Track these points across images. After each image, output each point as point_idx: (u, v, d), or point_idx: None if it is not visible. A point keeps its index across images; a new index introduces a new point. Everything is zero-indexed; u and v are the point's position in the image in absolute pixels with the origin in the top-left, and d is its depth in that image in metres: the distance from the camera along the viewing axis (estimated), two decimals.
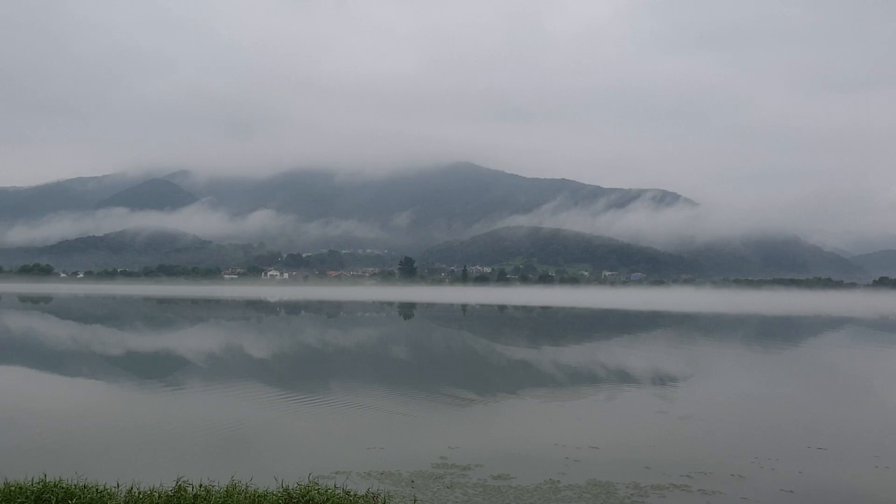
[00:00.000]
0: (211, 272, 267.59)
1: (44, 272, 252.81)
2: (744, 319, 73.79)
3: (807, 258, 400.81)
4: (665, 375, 28.64)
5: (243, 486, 9.62)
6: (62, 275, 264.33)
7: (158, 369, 28.38)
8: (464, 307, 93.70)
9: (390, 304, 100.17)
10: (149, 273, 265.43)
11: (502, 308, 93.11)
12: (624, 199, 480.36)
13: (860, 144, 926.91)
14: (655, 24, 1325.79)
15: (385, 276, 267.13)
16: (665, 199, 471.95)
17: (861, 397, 23.26)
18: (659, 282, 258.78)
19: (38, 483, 9.19)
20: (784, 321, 72.07)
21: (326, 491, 9.32)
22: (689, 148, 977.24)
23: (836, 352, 40.72)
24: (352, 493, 9.46)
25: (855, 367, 32.78)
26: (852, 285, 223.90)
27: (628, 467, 13.30)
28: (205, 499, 9.03)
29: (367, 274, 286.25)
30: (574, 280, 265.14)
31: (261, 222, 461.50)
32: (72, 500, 8.81)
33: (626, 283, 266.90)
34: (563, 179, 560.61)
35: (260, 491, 9.41)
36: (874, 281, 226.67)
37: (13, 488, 9.02)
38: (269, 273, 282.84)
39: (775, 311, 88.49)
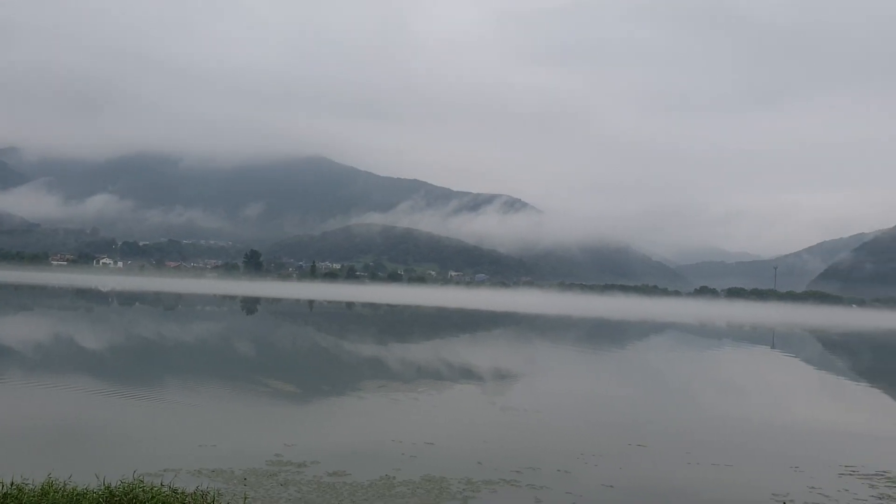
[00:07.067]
0: (37, 258, 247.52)
1: None
2: (577, 322, 77.70)
3: (636, 266, 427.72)
4: (502, 372, 29.71)
5: (61, 485, 9.10)
6: None
7: None
8: (311, 303, 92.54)
9: (233, 298, 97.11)
10: None
11: (350, 305, 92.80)
12: (476, 202, 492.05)
13: (691, 163, 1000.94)
14: (518, 37, 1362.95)
15: (228, 269, 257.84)
16: (514, 205, 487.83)
17: (679, 397, 25.13)
18: (501, 283, 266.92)
19: None
20: (615, 324, 76.55)
21: (152, 489, 9.00)
22: (539, 157, 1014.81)
23: (659, 354, 43.81)
24: (179, 491, 9.19)
25: (674, 370, 35.40)
26: (676, 293, 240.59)
27: (462, 463, 13.67)
28: (16, 498, 8.47)
29: (209, 266, 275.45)
30: (421, 279, 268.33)
31: (99, 207, 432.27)
32: None
33: (471, 283, 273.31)
34: (417, 180, 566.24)
35: (79, 489, 8.94)
36: (695, 290, 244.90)
37: None
38: (101, 261, 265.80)
39: (607, 315, 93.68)
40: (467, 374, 28.67)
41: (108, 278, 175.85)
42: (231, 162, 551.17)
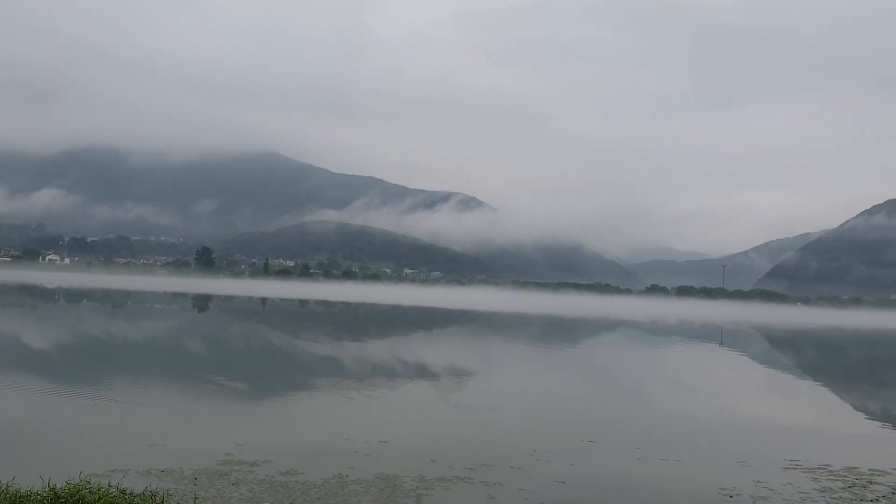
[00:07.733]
0: None
1: None
2: (532, 320, 78.32)
3: (588, 264, 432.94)
4: (456, 370, 29.79)
5: (3, 486, 8.85)
6: None
7: None
8: (263, 301, 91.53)
9: (184, 295, 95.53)
10: None
11: (304, 303, 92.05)
12: (431, 200, 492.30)
13: (643, 163, 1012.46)
14: (475, 36, 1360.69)
15: (179, 266, 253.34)
16: (470, 203, 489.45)
17: (630, 395, 25.52)
18: (457, 281, 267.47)
19: None
20: (568, 322, 77.36)
21: (99, 490, 8.80)
22: (495, 156, 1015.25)
23: (611, 352, 44.44)
24: (128, 492, 9.01)
25: (626, 367, 35.94)
26: (628, 291, 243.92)
27: (416, 461, 13.69)
28: None
29: (159, 263, 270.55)
30: (376, 277, 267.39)
31: (45, 202, 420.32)
32: None
33: (426, 281, 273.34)
34: (372, 177, 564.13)
35: (23, 491, 8.70)
36: (646, 288, 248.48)
37: None
38: (47, 257, 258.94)
39: (561, 313, 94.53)
40: (421, 371, 28.70)
41: (55, 275, 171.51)
42: (182, 157, 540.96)
